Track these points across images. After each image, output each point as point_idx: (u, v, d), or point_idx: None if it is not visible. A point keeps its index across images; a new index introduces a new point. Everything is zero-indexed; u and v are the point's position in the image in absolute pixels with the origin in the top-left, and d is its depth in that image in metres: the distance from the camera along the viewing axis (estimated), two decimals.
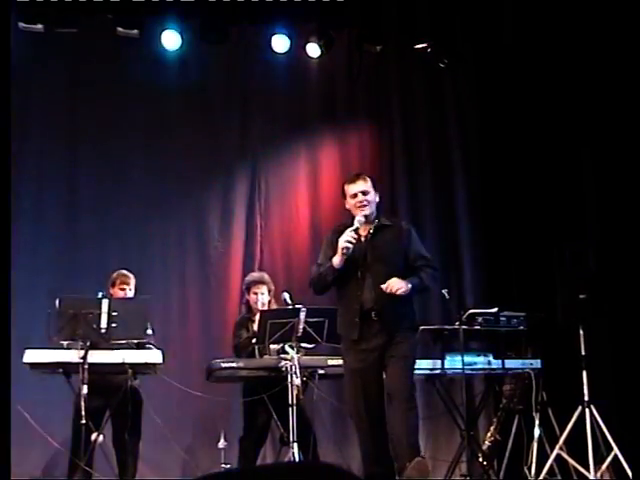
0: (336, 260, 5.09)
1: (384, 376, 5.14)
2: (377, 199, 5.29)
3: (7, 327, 4.12)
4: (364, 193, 5.21)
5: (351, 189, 5.25)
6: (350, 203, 5.25)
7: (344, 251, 5.03)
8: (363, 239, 5.18)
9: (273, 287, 6.59)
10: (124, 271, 6.46)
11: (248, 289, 6.57)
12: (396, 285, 5.02)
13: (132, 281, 6.38)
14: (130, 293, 6.34)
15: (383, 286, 5.02)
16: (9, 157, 4.27)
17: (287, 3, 7.11)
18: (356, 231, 5.07)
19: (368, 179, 5.29)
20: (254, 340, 6.19)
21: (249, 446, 6.29)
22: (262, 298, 6.44)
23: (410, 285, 5.07)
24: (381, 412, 5.10)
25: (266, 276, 6.71)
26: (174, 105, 7.79)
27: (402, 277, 5.09)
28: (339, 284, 5.21)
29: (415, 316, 5.31)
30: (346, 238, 5.04)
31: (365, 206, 5.18)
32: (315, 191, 7.99)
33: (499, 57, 7.77)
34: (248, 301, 6.56)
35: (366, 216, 5.14)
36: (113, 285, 6.36)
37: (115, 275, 6.41)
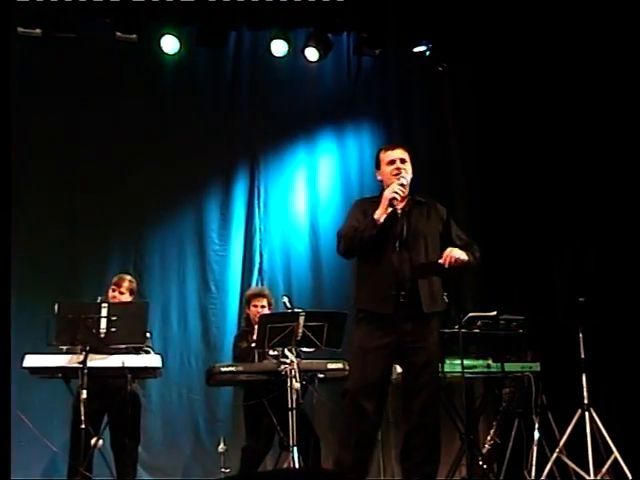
0: (379, 213, 4.76)
1: (410, 363, 4.84)
2: (412, 176, 5.01)
3: (8, 332, 4.12)
4: (402, 161, 4.97)
5: (389, 155, 5.00)
6: (385, 171, 4.97)
7: (393, 201, 4.74)
8: (400, 213, 4.88)
9: (273, 300, 6.59)
10: (125, 275, 6.46)
11: (248, 302, 6.58)
12: (457, 253, 4.79)
13: (127, 284, 6.32)
14: (124, 296, 6.26)
15: (445, 254, 4.78)
16: (10, 161, 4.27)
17: (285, 7, 7.13)
18: (402, 185, 4.81)
19: (407, 150, 5.07)
20: (253, 344, 6.18)
21: (253, 454, 6.23)
22: (262, 311, 6.44)
23: (466, 257, 4.82)
24: (383, 398, 4.85)
25: (266, 290, 6.72)
26: (173, 109, 7.79)
27: (438, 256, 4.84)
28: (369, 256, 4.86)
29: (443, 306, 5.00)
30: (394, 189, 4.77)
31: (402, 174, 4.91)
32: (314, 195, 7.99)
33: (498, 60, 7.77)
34: (248, 315, 6.56)
35: (403, 186, 4.84)
36: (109, 287, 6.34)
37: (113, 279, 6.39)
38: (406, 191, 4.92)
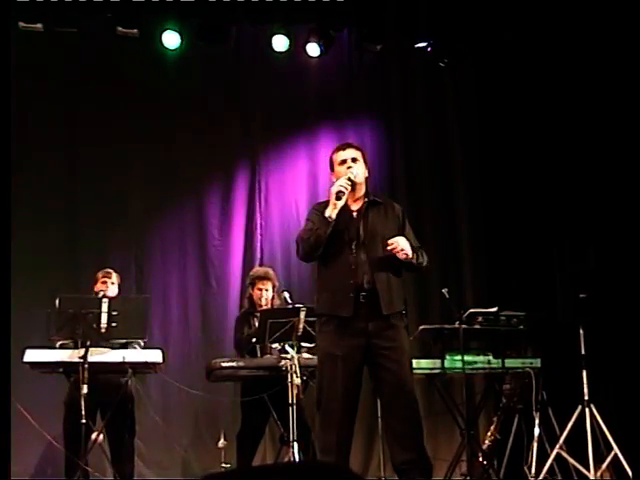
0: (328, 211, 4.69)
1: (382, 368, 4.75)
2: (366, 174, 4.95)
3: (8, 326, 4.12)
4: (354, 160, 4.88)
5: (340, 155, 4.92)
6: (338, 171, 4.88)
7: (339, 195, 4.67)
8: (355, 214, 4.85)
9: (277, 283, 6.59)
10: (109, 269, 6.46)
11: (252, 284, 6.55)
12: (403, 244, 4.71)
13: (114, 276, 6.36)
14: (113, 287, 6.30)
15: (389, 241, 4.70)
16: (10, 157, 4.27)
17: (287, 3, 7.12)
18: (349, 180, 4.73)
19: (359, 150, 4.98)
20: (254, 339, 6.18)
21: (246, 443, 6.29)
22: (266, 294, 6.44)
23: (411, 254, 4.74)
24: (355, 404, 4.76)
25: (271, 272, 6.69)
26: (174, 104, 7.79)
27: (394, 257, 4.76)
28: (327, 258, 4.81)
29: (403, 305, 4.92)
30: (340, 182, 4.71)
31: (350, 170, 4.82)
32: (315, 190, 7.98)
33: (499, 56, 7.76)
34: (251, 295, 6.55)
35: (352, 182, 4.76)
36: (96, 282, 6.33)
37: (98, 274, 6.39)
38: (360, 191, 4.90)
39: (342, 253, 4.77)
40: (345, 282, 4.72)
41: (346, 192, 4.71)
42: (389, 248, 4.71)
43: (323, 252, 4.79)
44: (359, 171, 4.86)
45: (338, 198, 4.69)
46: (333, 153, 5.01)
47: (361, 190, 4.90)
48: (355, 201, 4.88)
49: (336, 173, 4.92)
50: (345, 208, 4.79)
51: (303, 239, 4.83)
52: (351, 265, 4.74)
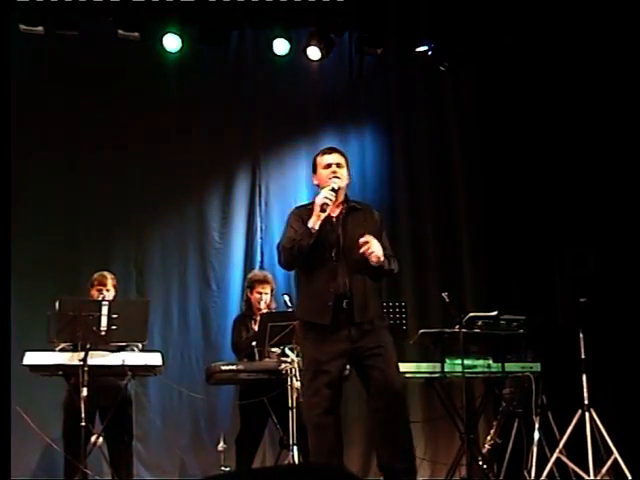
0: (312, 222, 4.72)
1: (368, 368, 4.78)
2: (348, 181, 4.99)
3: (7, 329, 4.12)
4: (338, 165, 4.92)
5: (325, 159, 4.95)
6: (322, 174, 4.91)
7: (324, 207, 4.70)
8: (334, 219, 4.86)
9: (275, 286, 6.60)
10: (103, 272, 6.37)
11: (251, 287, 6.56)
12: (375, 247, 4.69)
13: (110, 282, 6.27)
14: (108, 294, 6.21)
15: (362, 239, 4.68)
16: (10, 159, 4.27)
17: (287, 6, 7.13)
18: (333, 190, 4.76)
19: (344, 156, 5.02)
20: (254, 343, 6.18)
21: (245, 446, 6.29)
22: (265, 298, 6.44)
23: (383, 258, 4.74)
24: (338, 408, 4.80)
25: (269, 275, 6.70)
26: (175, 107, 7.79)
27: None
28: (307, 265, 4.84)
29: (381, 308, 5.05)
30: (325, 194, 4.73)
31: (338, 178, 4.86)
32: (315, 193, 7.97)
33: (499, 60, 7.77)
34: (249, 299, 6.55)
35: (336, 193, 4.78)
36: (92, 286, 6.28)
37: (94, 276, 6.33)
38: (340, 197, 4.90)
39: (322, 260, 4.79)
40: (325, 289, 4.75)
41: (330, 204, 4.74)
42: (362, 248, 4.70)
43: (307, 257, 4.80)
44: (342, 180, 4.89)
45: (323, 210, 4.73)
46: (317, 156, 5.04)
47: (341, 196, 4.91)
48: (335, 207, 4.88)
49: (318, 175, 4.96)
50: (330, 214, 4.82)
51: (285, 248, 4.84)
52: (331, 272, 4.77)
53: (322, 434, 4.76)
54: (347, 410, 6.27)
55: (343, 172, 4.93)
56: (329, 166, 4.92)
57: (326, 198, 4.72)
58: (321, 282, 4.78)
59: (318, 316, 4.76)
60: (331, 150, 5.05)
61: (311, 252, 4.76)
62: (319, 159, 4.99)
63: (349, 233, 4.83)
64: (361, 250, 4.71)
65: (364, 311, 4.76)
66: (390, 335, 4.92)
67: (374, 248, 4.70)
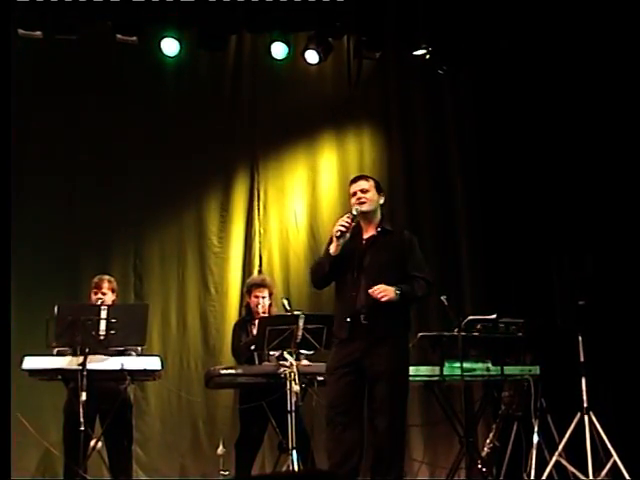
0: (332, 247, 5.08)
1: (372, 383, 5.07)
2: (381, 201, 5.27)
3: (8, 334, 4.12)
4: (363, 191, 5.20)
5: (352, 188, 5.26)
6: (352, 202, 5.24)
7: (337, 234, 5.02)
8: (364, 242, 5.18)
9: (274, 290, 6.59)
10: (103, 275, 6.34)
11: (249, 292, 6.55)
12: (381, 291, 4.98)
13: (107, 284, 6.21)
14: (106, 298, 6.14)
15: (370, 290, 5.00)
16: (10, 163, 4.27)
17: (286, 10, 7.13)
18: (353, 219, 5.07)
19: (371, 180, 5.31)
20: (253, 347, 6.18)
21: (244, 450, 6.27)
22: (263, 302, 6.43)
23: (398, 292, 5.01)
24: (356, 415, 5.06)
25: (267, 279, 6.70)
26: (173, 111, 7.79)
27: (394, 284, 5.04)
28: (338, 283, 5.22)
29: (407, 324, 5.25)
30: (340, 222, 5.05)
31: (363, 203, 5.17)
32: (314, 197, 7.99)
33: (497, 63, 7.78)
34: (249, 303, 6.55)
35: (365, 213, 5.15)
36: (91, 289, 6.24)
37: (93, 280, 6.29)
38: (373, 219, 5.21)
39: (347, 280, 5.15)
40: (345, 306, 5.14)
41: (346, 230, 5.05)
42: (372, 296, 5.00)
43: (335, 278, 5.20)
44: (367, 204, 5.17)
45: (338, 237, 5.04)
46: (349, 185, 5.37)
47: (375, 218, 5.24)
48: (368, 229, 5.23)
49: (351, 204, 5.25)
50: (358, 236, 5.20)
51: (311, 270, 5.40)
52: (352, 291, 5.10)
53: (331, 431, 5.05)
54: None
55: (369, 195, 5.21)
56: (355, 194, 5.23)
57: (341, 225, 5.03)
58: (344, 300, 5.16)
59: (338, 330, 5.18)
60: (355, 179, 5.35)
61: (340, 272, 5.15)
62: (349, 188, 5.33)
63: (374, 256, 5.14)
64: (373, 296, 5.00)
65: (384, 329, 5.05)
66: (405, 351, 5.19)
67: (379, 291, 4.98)
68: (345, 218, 5.05)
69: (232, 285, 7.66)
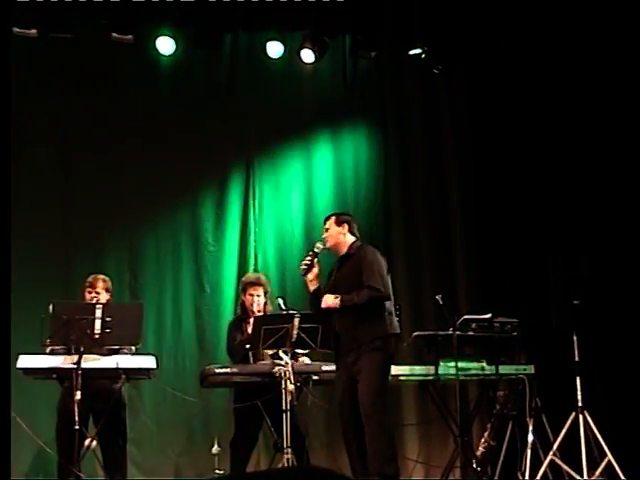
0: (309, 285, 5.87)
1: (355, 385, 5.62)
2: (344, 231, 5.85)
3: (7, 333, 4.11)
4: (325, 231, 5.90)
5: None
6: None
7: (301, 272, 5.84)
8: (335, 269, 5.87)
9: (270, 288, 6.58)
10: (97, 274, 6.32)
11: (244, 290, 6.54)
12: (325, 302, 5.68)
13: (101, 283, 6.21)
14: (100, 297, 6.15)
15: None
16: (8, 162, 4.26)
17: (281, 9, 7.13)
18: (313, 255, 5.82)
19: (331, 218, 5.94)
20: (248, 345, 6.17)
21: (239, 449, 6.27)
22: (258, 300, 6.41)
23: (337, 299, 5.64)
24: (355, 422, 5.58)
25: (263, 277, 6.69)
26: (168, 110, 7.78)
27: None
28: None
29: (374, 332, 5.60)
30: (303, 262, 5.85)
31: (326, 241, 5.88)
32: (310, 196, 7.99)
33: (493, 63, 7.79)
34: (244, 302, 6.53)
35: (325, 245, 5.86)
36: (84, 288, 6.25)
37: (87, 279, 6.28)
38: (340, 249, 5.84)
39: None
40: (331, 325, 5.80)
41: (308, 267, 5.81)
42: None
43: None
44: (327, 238, 5.86)
45: (303, 275, 5.85)
46: None
47: (341, 246, 5.86)
48: (309, 269, 5.86)
49: None
50: (335, 264, 5.91)
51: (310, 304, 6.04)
52: (334, 310, 5.73)
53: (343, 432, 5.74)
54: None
55: (328, 233, 5.88)
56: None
57: (304, 264, 5.84)
58: (332, 318, 5.79)
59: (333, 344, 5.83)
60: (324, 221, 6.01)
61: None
62: None
63: (340, 279, 5.81)
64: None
65: (352, 340, 5.65)
66: (378, 356, 5.62)
67: (325, 303, 5.71)
68: (307, 257, 5.83)
69: (227, 284, 7.65)
